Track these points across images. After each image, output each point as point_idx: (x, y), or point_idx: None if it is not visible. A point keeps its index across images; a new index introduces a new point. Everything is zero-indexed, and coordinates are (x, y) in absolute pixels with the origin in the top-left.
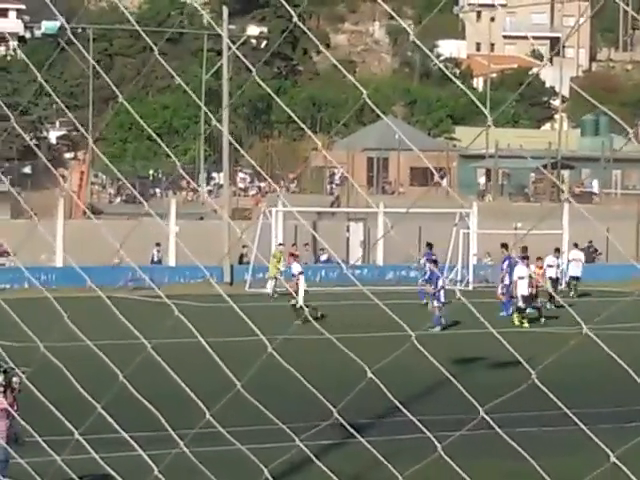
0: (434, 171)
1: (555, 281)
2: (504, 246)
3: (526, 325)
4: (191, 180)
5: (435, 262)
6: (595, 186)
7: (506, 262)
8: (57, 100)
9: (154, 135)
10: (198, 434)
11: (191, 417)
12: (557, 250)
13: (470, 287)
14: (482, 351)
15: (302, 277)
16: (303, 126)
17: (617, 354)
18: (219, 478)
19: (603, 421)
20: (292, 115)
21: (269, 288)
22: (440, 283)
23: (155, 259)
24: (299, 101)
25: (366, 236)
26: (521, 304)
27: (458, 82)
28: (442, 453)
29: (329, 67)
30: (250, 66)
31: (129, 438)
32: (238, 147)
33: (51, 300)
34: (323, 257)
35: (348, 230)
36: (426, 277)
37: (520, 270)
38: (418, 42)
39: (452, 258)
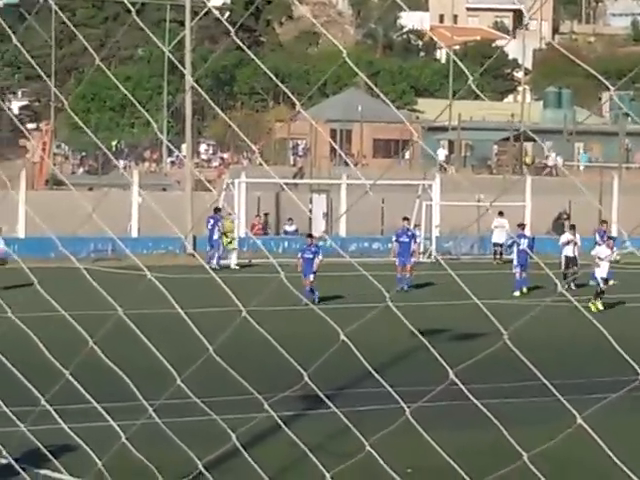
0: (412, 131)
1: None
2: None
3: (600, 307)
4: (175, 149)
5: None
6: (559, 159)
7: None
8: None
9: (137, 105)
10: (160, 405)
11: (150, 389)
12: (572, 227)
13: (432, 259)
14: (447, 323)
15: None
16: (286, 90)
17: (582, 327)
18: (182, 447)
19: (566, 393)
20: (271, 77)
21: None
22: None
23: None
24: (262, 72)
25: (329, 208)
26: (602, 287)
27: (449, 51)
28: (410, 417)
29: (292, 39)
30: (229, 27)
31: (99, 407)
32: (222, 114)
33: (12, 271)
34: (290, 228)
35: (311, 202)
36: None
37: (601, 250)
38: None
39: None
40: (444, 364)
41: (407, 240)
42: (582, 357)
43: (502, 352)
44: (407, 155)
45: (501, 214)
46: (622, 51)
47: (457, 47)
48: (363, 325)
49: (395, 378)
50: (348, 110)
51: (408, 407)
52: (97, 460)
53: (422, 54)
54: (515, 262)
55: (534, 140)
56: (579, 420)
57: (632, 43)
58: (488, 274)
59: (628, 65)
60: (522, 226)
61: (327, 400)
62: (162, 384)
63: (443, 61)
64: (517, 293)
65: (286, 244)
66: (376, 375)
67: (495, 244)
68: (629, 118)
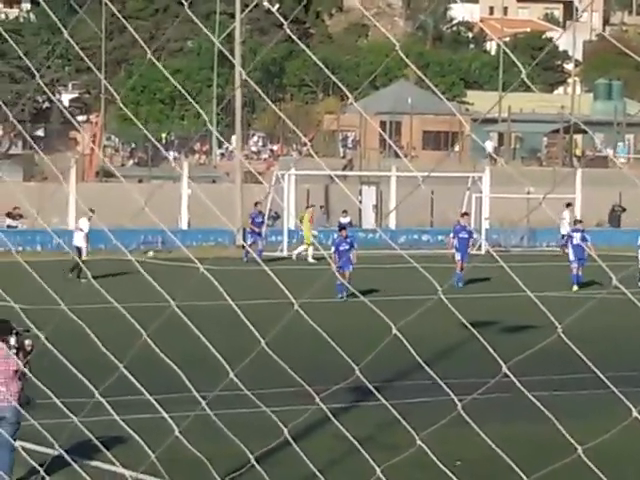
0: (464, 123)
1: None
2: None
3: None
4: (225, 141)
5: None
6: (609, 151)
7: None
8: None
9: (188, 97)
10: (207, 398)
11: (201, 381)
12: None
13: (482, 251)
14: (497, 315)
15: None
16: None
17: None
18: (232, 439)
19: (619, 385)
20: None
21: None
22: None
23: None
24: (311, 64)
25: (379, 200)
26: None
27: (499, 42)
28: (462, 412)
29: (341, 30)
30: (282, 19)
31: (152, 399)
32: (272, 105)
33: (60, 263)
34: (345, 220)
35: (361, 194)
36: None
37: None
38: None
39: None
40: (497, 358)
41: (466, 236)
42: (637, 351)
43: (553, 344)
44: (457, 147)
45: (568, 205)
46: None
47: (507, 39)
48: (413, 317)
49: (444, 370)
50: (398, 102)
51: (460, 401)
52: (150, 452)
53: (472, 46)
54: (572, 257)
55: (584, 132)
56: (634, 413)
57: None
58: (539, 266)
59: None
60: (578, 221)
61: (376, 392)
62: (211, 376)
63: (493, 53)
64: (575, 287)
65: (335, 236)
66: (426, 367)
67: (563, 236)
68: None
